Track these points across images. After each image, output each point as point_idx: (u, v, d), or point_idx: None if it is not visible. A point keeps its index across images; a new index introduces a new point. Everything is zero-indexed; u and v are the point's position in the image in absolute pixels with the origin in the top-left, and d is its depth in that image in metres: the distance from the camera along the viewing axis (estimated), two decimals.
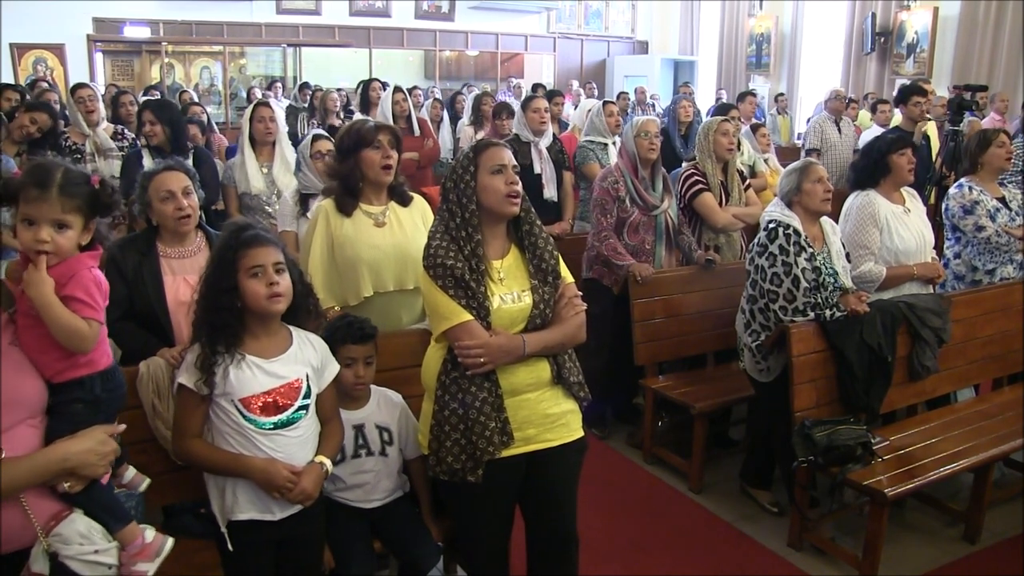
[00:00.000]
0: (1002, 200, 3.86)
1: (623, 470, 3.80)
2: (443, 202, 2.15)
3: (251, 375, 1.95)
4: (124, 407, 1.81)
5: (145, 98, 7.13)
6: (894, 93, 9.04)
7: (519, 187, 2.12)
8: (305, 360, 2.05)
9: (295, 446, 2.01)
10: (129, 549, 1.69)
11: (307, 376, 2.04)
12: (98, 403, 1.68)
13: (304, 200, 3.42)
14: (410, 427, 2.43)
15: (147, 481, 1.96)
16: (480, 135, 6.19)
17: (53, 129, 4.55)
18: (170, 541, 1.78)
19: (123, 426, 1.74)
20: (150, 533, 1.75)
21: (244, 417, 1.95)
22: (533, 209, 2.22)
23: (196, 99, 8.41)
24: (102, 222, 1.69)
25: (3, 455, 1.50)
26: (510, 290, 2.13)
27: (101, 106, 4.95)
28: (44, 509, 1.58)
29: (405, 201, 2.82)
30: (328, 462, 2.08)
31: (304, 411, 2.03)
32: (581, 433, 2.25)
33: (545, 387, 2.16)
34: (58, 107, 5.48)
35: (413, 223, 2.81)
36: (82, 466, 1.59)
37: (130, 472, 1.92)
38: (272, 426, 1.97)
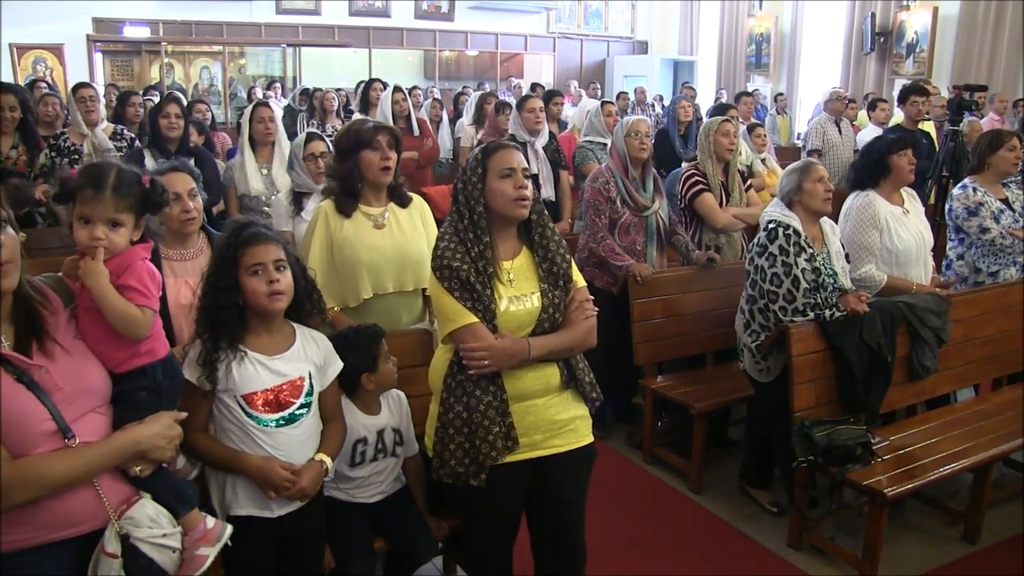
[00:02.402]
0: (1005, 201, 3.86)
1: (623, 470, 3.80)
2: (453, 203, 2.14)
3: (254, 372, 1.96)
4: (181, 392, 1.88)
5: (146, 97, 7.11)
6: (894, 93, 9.08)
7: (528, 191, 2.10)
8: (308, 358, 2.06)
9: (296, 444, 2.02)
10: (192, 534, 1.75)
11: (310, 374, 2.05)
12: (161, 389, 1.75)
13: (297, 199, 3.41)
14: (411, 426, 2.46)
15: (197, 468, 2.01)
16: (481, 134, 6.20)
17: (25, 107, 4.56)
18: (229, 528, 1.84)
19: (185, 413, 1.81)
20: (210, 520, 1.82)
21: (246, 413, 1.95)
22: (546, 212, 2.20)
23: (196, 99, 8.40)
24: (152, 219, 1.76)
25: (77, 441, 1.57)
26: (519, 292, 2.11)
27: (101, 107, 4.94)
28: (117, 493, 1.65)
29: (404, 202, 2.82)
30: (329, 460, 2.09)
31: (306, 409, 2.03)
32: (590, 439, 2.23)
33: (553, 393, 2.15)
34: (57, 110, 5.47)
35: (412, 224, 2.81)
36: (152, 449, 1.67)
37: (181, 459, 1.96)
38: (274, 423, 1.97)
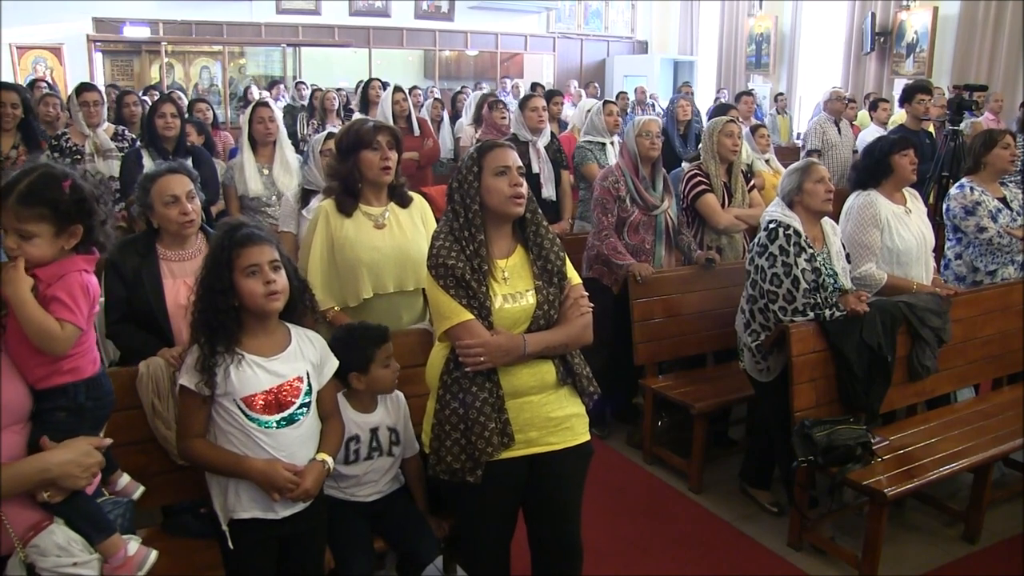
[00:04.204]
0: (1003, 200, 3.86)
1: (623, 470, 3.80)
2: (449, 202, 2.16)
3: (252, 374, 1.96)
4: (110, 416, 1.80)
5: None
6: (894, 93, 9.08)
7: (524, 188, 2.12)
8: (305, 357, 2.06)
9: (297, 444, 2.02)
10: (112, 562, 1.66)
11: (307, 373, 2.05)
12: (82, 412, 1.66)
13: (306, 196, 3.41)
14: (409, 426, 2.46)
15: (141, 489, 1.94)
16: (479, 133, 6.20)
17: (27, 106, 4.55)
18: (153, 554, 1.75)
19: (109, 440, 1.72)
20: (133, 545, 1.72)
21: (247, 416, 1.95)
22: (540, 210, 2.21)
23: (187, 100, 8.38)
24: (102, 230, 1.67)
25: None
26: (514, 290, 2.13)
27: (105, 109, 4.92)
28: (24, 519, 1.56)
29: (405, 202, 2.82)
30: (330, 460, 2.09)
31: (306, 408, 2.03)
32: (586, 437, 2.23)
33: (549, 390, 2.15)
34: (56, 111, 5.46)
35: (413, 224, 2.81)
36: (63, 477, 1.55)
37: (123, 479, 1.91)
38: (275, 424, 1.97)
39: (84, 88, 4.88)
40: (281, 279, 1.98)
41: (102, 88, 8.14)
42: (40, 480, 1.54)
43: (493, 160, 2.11)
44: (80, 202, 1.63)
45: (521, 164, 2.16)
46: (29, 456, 1.55)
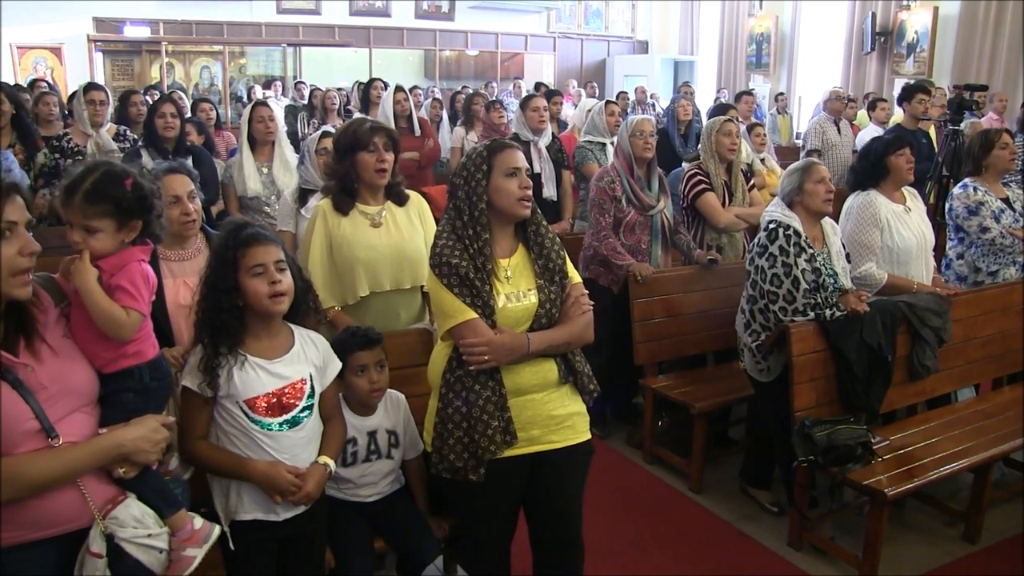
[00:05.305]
0: (1006, 200, 3.85)
1: (623, 470, 3.80)
2: (451, 199, 2.15)
3: (255, 376, 1.96)
4: (169, 396, 1.90)
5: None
6: (894, 92, 9.08)
7: (531, 191, 2.13)
8: (308, 359, 2.06)
9: (300, 446, 2.02)
10: (179, 535, 1.75)
11: (310, 376, 2.05)
12: (148, 392, 1.75)
13: (303, 195, 3.41)
14: (411, 428, 2.45)
15: (191, 470, 2.02)
16: (471, 135, 6.20)
17: (19, 105, 4.54)
18: (217, 528, 1.84)
19: (172, 418, 1.82)
20: (198, 521, 1.81)
21: (249, 419, 1.95)
22: (539, 210, 2.22)
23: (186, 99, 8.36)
24: (157, 222, 1.75)
25: (61, 441, 1.57)
26: (516, 289, 2.13)
27: (109, 110, 4.92)
28: (101, 493, 1.65)
29: (402, 200, 2.82)
30: (331, 463, 2.09)
31: (309, 411, 2.03)
32: (587, 436, 2.24)
33: (551, 388, 2.16)
34: (58, 109, 5.45)
35: (410, 222, 2.81)
36: (136, 452, 1.66)
37: (175, 460, 1.96)
38: (278, 426, 1.97)
39: (91, 87, 4.87)
40: (286, 280, 1.98)
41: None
42: (116, 455, 1.64)
43: (504, 161, 2.11)
44: (141, 198, 1.71)
45: (528, 166, 2.16)
46: (103, 434, 1.65)
